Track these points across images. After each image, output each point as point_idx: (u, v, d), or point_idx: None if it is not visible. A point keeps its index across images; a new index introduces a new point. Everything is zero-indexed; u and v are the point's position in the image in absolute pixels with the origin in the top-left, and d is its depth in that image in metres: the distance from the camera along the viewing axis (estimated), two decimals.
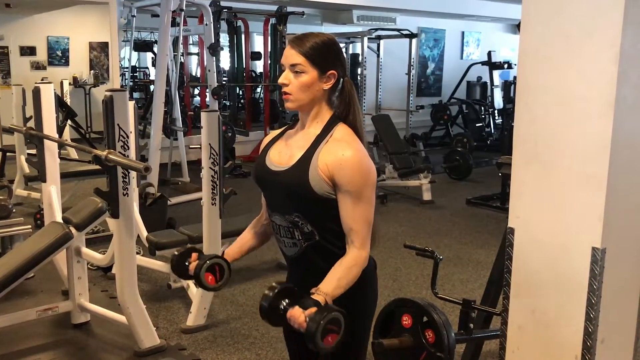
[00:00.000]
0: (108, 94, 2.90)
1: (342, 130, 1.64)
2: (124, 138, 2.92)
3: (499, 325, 1.93)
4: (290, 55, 1.61)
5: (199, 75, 10.47)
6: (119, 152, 2.88)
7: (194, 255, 1.77)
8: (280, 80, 1.64)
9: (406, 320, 2.28)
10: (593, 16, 1.46)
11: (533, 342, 1.67)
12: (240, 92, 10.58)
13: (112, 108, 2.89)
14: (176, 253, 1.78)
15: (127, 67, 9.46)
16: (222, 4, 7.98)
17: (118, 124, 2.90)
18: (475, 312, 2.51)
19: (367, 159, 1.60)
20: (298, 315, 1.47)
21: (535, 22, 1.59)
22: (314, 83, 1.62)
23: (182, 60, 8.33)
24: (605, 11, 1.43)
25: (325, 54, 1.62)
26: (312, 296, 1.52)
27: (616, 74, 1.42)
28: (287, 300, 1.50)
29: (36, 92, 3.62)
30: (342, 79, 1.66)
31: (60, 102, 6.07)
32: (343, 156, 1.57)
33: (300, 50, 1.60)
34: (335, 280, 1.57)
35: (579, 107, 1.50)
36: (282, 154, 1.69)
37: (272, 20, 8.86)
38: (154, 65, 10.93)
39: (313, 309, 1.46)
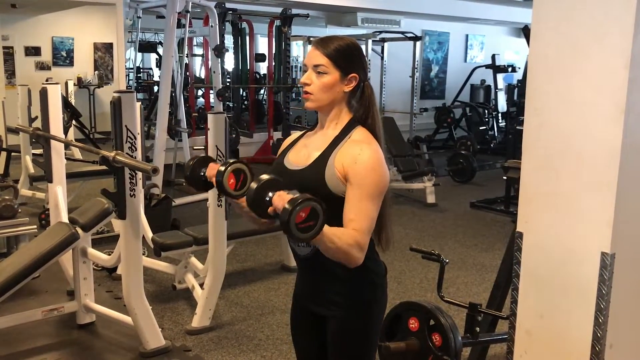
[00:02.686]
0: (116, 95, 2.91)
1: (361, 133, 1.65)
2: (132, 139, 2.93)
3: (505, 329, 1.93)
4: (314, 56, 1.64)
5: (203, 76, 10.49)
6: (127, 154, 2.89)
7: (212, 164, 1.69)
8: (303, 79, 1.67)
9: (413, 324, 2.29)
10: (604, 22, 1.46)
11: (541, 347, 1.68)
12: (244, 94, 10.60)
13: (120, 109, 2.90)
14: (191, 162, 1.72)
15: (131, 68, 9.47)
16: (227, 5, 7.99)
17: (126, 125, 2.91)
18: (482, 315, 2.52)
19: (382, 162, 1.61)
20: (282, 195, 1.42)
21: (545, 27, 1.60)
22: (336, 84, 1.64)
23: (187, 62, 8.35)
24: (616, 17, 1.43)
25: (348, 57, 1.64)
26: None
27: (627, 79, 1.43)
28: (272, 192, 1.45)
29: (43, 93, 3.63)
30: (362, 83, 1.68)
31: (65, 102, 6.08)
32: (359, 155, 1.58)
33: (324, 51, 1.63)
34: (329, 237, 1.49)
35: (589, 112, 1.51)
36: (300, 154, 1.72)
37: (277, 22, 8.88)
38: (158, 66, 10.99)
39: (297, 194, 1.42)
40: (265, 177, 1.47)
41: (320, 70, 1.63)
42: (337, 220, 1.62)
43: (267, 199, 1.45)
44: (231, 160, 1.63)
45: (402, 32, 10.08)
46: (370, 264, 1.70)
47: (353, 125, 1.66)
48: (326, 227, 1.47)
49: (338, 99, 1.66)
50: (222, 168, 1.59)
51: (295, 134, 1.85)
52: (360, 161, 1.57)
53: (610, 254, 1.49)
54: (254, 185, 1.46)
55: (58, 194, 3.77)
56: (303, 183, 1.64)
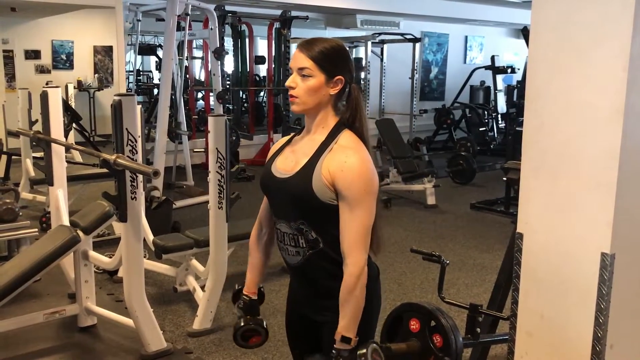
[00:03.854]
0: (117, 98, 2.92)
1: (347, 137, 1.64)
2: (133, 142, 2.94)
3: (506, 330, 1.94)
4: (299, 59, 1.62)
5: (203, 79, 10.50)
6: (128, 156, 2.90)
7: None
8: (288, 82, 1.65)
9: (414, 325, 2.29)
10: (602, 23, 1.47)
11: (542, 347, 1.68)
12: (244, 96, 10.61)
13: (120, 112, 2.90)
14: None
15: (131, 71, 9.48)
16: (227, 8, 8.02)
17: (126, 128, 2.92)
18: (482, 316, 2.52)
19: (370, 167, 1.60)
20: None
21: (544, 29, 1.60)
22: (321, 87, 1.62)
23: (187, 64, 8.37)
24: (615, 19, 1.44)
25: (333, 60, 1.62)
26: (336, 345, 1.61)
27: (625, 81, 1.43)
28: None
29: (44, 96, 3.64)
30: (349, 85, 1.66)
31: (65, 105, 6.08)
32: (345, 163, 1.57)
33: (308, 54, 1.61)
34: (348, 317, 1.61)
35: (588, 114, 1.52)
36: (288, 161, 1.70)
37: (276, 25, 8.89)
38: (157, 69, 10.99)
39: None
40: None
41: (305, 73, 1.61)
42: (328, 225, 1.62)
43: None
44: (247, 321, 1.85)
45: (402, 34, 10.09)
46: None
47: (340, 129, 1.65)
48: (343, 317, 1.61)
49: (324, 102, 1.64)
50: (236, 329, 1.85)
51: (282, 140, 1.83)
52: (347, 169, 1.56)
53: (610, 254, 1.49)
54: None
55: (59, 197, 3.77)
56: (291, 191, 1.64)
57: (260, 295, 1.92)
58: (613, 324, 1.53)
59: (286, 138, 1.82)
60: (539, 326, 1.67)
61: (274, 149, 1.81)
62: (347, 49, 1.71)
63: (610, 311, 1.52)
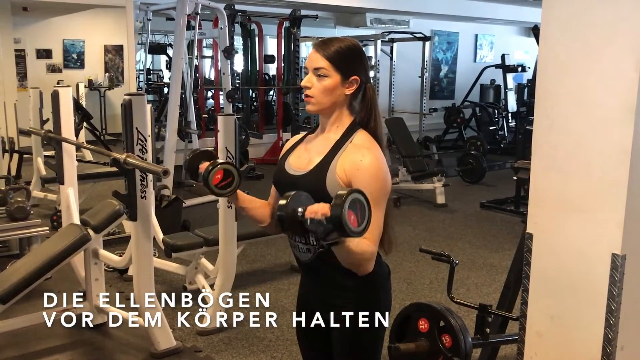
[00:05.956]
0: (127, 97, 2.93)
1: (362, 137, 1.64)
2: (143, 141, 2.95)
3: (515, 330, 1.93)
4: (315, 59, 1.62)
5: (213, 78, 10.53)
6: (138, 156, 2.91)
7: (206, 163, 1.67)
8: (303, 82, 1.65)
9: (423, 325, 2.29)
10: (613, 22, 1.46)
11: (551, 348, 1.67)
12: (254, 95, 10.63)
13: (130, 112, 2.92)
14: (192, 154, 1.74)
15: (141, 70, 9.52)
16: (237, 7, 8.03)
17: (136, 128, 2.93)
18: (492, 316, 2.51)
19: (385, 167, 1.60)
20: (320, 206, 1.38)
21: (554, 28, 1.59)
22: (337, 87, 1.62)
23: (197, 63, 8.39)
24: (626, 17, 1.43)
25: (349, 60, 1.62)
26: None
27: (637, 80, 1.42)
28: (302, 207, 1.42)
29: (55, 96, 3.66)
30: (364, 85, 1.66)
31: (76, 105, 6.12)
32: (361, 162, 1.57)
33: (324, 54, 1.61)
34: (345, 252, 1.49)
35: (599, 113, 1.50)
36: (301, 159, 1.70)
37: (286, 24, 8.90)
38: (168, 68, 11.04)
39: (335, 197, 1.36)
40: (291, 193, 1.44)
41: (320, 74, 1.61)
42: None
43: (299, 214, 1.42)
44: (220, 162, 1.64)
45: (411, 33, 10.07)
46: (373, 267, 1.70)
47: (354, 129, 1.65)
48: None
49: (339, 101, 1.64)
50: (208, 168, 1.61)
51: (295, 137, 1.83)
52: (363, 168, 1.56)
53: (621, 255, 1.48)
54: (282, 202, 1.43)
55: (69, 196, 3.80)
56: (304, 188, 1.62)
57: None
58: (624, 326, 1.52)
59: (299, 136, 1.82)
60: (549, 327, 1.66)
61: (287, 146, 1.81)
62: (362, 48, 1.71)
63: (621, 313, 1.51)
